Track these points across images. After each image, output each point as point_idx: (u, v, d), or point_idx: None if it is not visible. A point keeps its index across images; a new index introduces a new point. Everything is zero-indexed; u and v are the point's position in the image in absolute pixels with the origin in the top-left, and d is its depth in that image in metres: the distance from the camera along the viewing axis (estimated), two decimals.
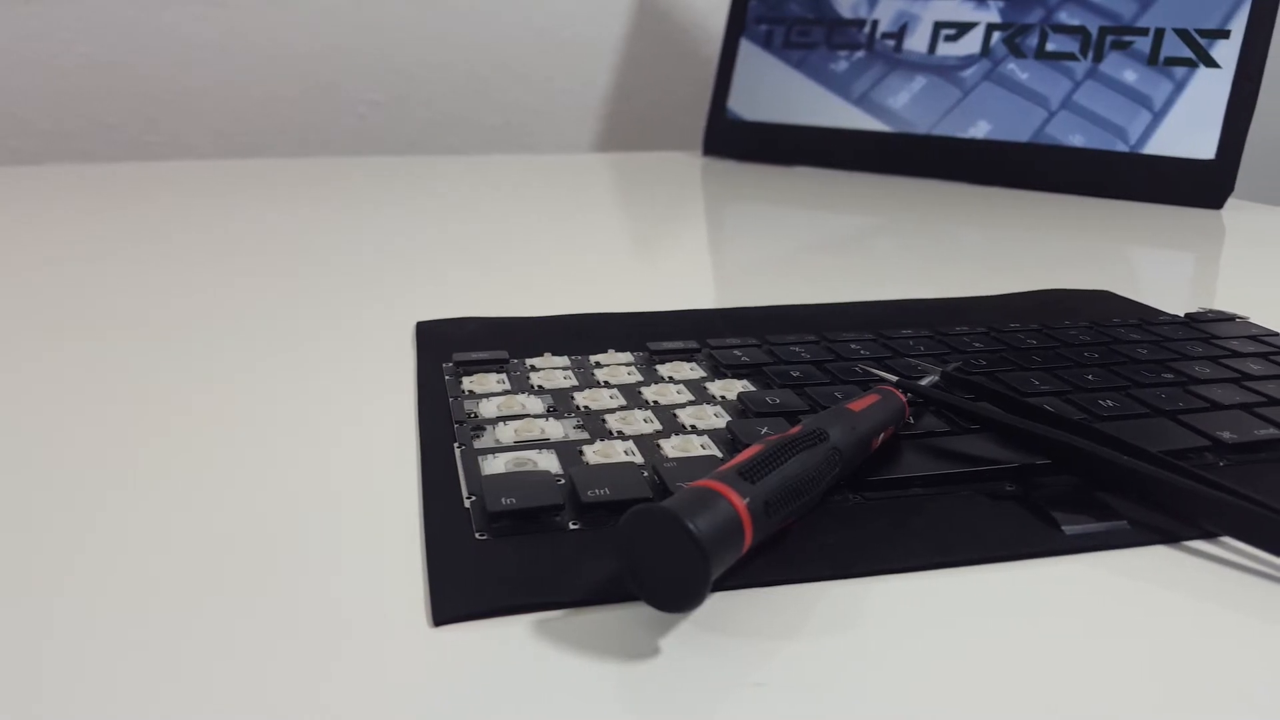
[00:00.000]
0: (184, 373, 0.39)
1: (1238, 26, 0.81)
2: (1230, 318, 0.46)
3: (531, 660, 0.21)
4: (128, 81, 1.08)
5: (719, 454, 0.31)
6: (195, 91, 1.11)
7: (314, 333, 0.44)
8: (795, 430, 0.27)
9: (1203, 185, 0.81)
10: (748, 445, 0.29)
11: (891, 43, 0.98)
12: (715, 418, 0.34)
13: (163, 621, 0.22)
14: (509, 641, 0.22)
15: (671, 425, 0.33)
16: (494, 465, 0.29)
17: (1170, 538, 0.26)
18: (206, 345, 0.42)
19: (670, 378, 0.38)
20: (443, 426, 0.33)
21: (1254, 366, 0.39)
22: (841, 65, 1.00)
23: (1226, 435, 0.31)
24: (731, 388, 0.37)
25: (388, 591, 0.24)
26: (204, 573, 0.24)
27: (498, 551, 0.25)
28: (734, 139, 1.07)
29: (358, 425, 0.34)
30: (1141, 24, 0.85)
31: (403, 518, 0.27)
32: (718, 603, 0.23)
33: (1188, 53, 0.83)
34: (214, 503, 0.28)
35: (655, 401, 0.35)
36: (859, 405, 0.29)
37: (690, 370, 0.39)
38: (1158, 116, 0.83)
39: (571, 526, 0.26)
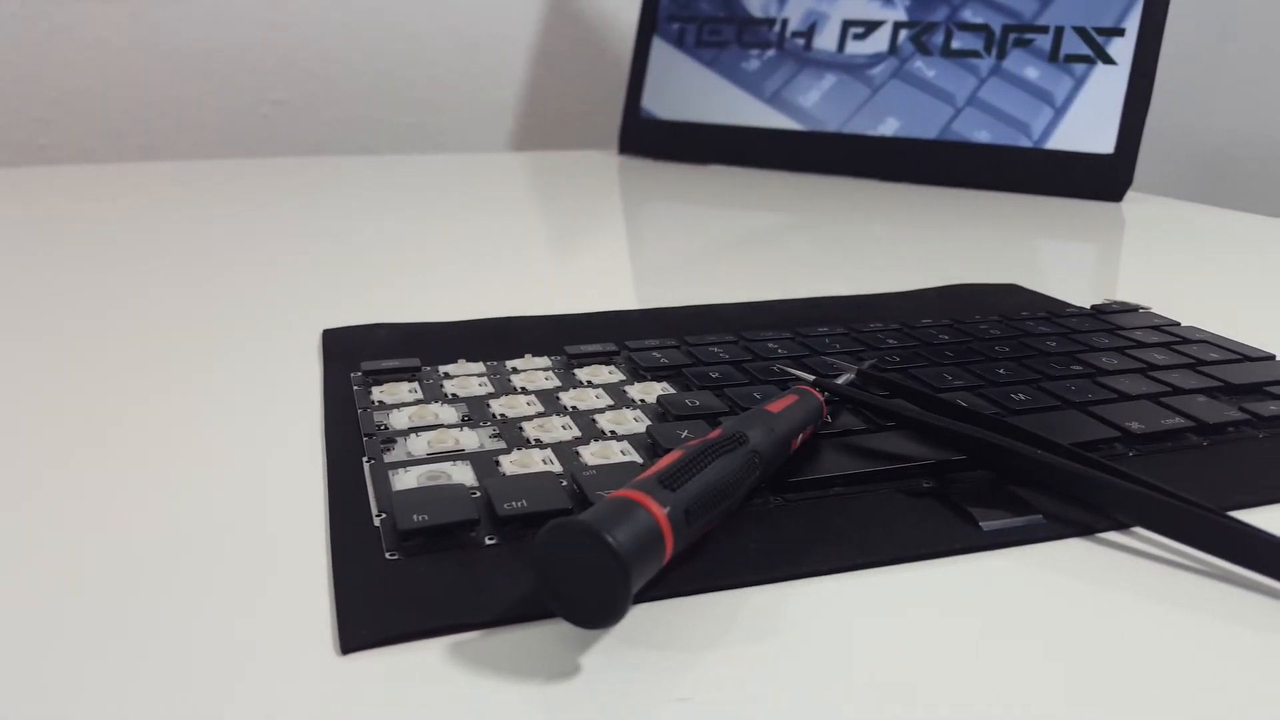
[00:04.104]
0: (73, 384, 0.37)
1: (1132, 25, 0.84)
2: (1134, 308, 0.48)
3: (447, 686, 0.20)
4: (16, 83, 1.03)
5: (639, 459, 0.30)
6: (89, 93, 1.06)
7: (214, 342, 0.43)
8: (715, 434, 0.26)
9: (1103, 179, 0.84)
10: (668, 450, 0.29)
11: (801, 41, 0.99)
12: (635, 422, 0.33)
13: (47, 651, 0.21)
14: (422, 667, 0.21)
15: (591, 431, 0.32)
16: (405, 480, 0.28)
17: (1084, 530, 0.27)
18: (99, 355, 0.40)
19: (589, 382, 0.37)
20: (351, 440, 0.32)
21: (1158, 357, 0.40)
22: (753, 64, 1.01)
23: (1135, 426, 0.32)
24: (651, 390, 0.36)
25: (292, 618, 0.22)
26: (92, 598, 0.23)
27: (410, 572, 0.24)
28: (649, 137, 1.07)
29: (260, 440, 0.32)
30: (1041, 22, 0.87)
31: (308, 539, 0.26)
32: (639, 615, 0.23)
33: (1086, 50, 0.85)
34: (103, 523, 0.26)
35: (574, 407, 0.35)
36: (777, 406, 0.29)
37: (609, 374, 0.38)
38: (1059, 112, 0.85)
39: (488, 542, 0.25)
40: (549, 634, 0.22)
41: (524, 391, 0.36)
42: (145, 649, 0.21)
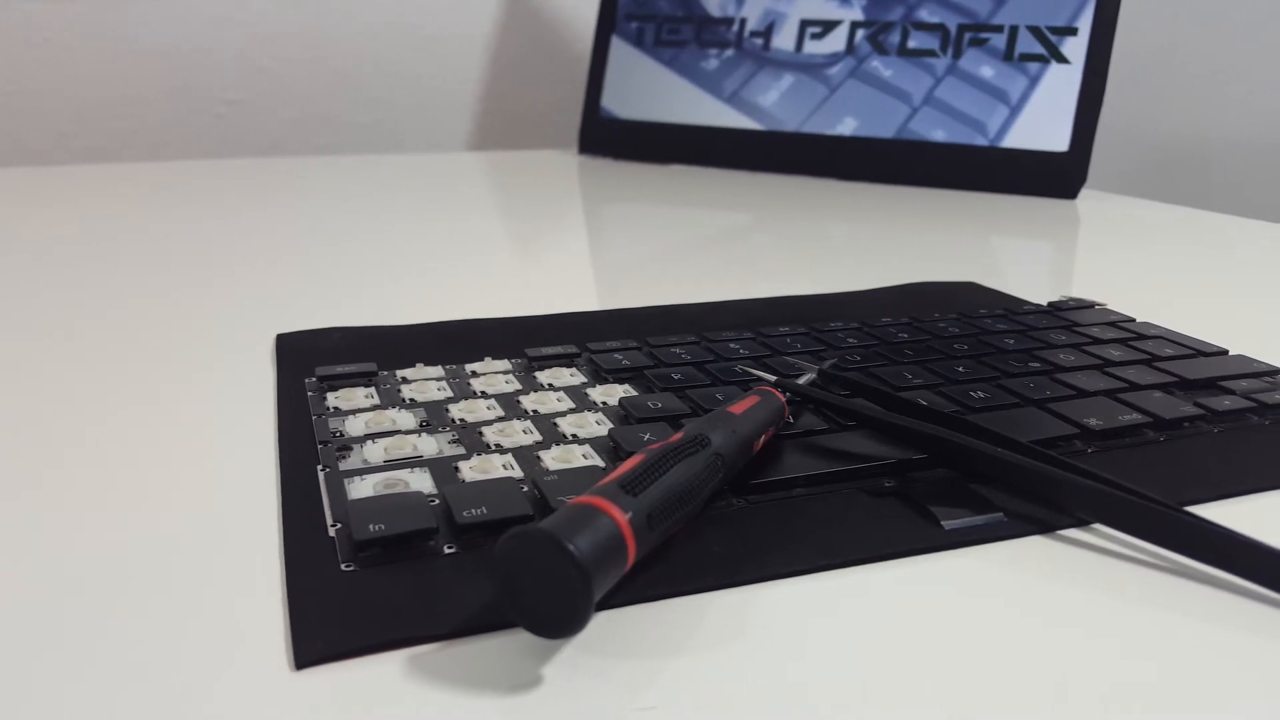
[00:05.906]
0: (15, 391, 0.36)
1: (1084, 24, 0.85)
2: (1089, 305, 0.48)
3: (405, 701, 0.20)
4: None
5: (601, 463, 0.30)
6: (36, 93, 1.04)
7: (164, 348, 0.42)
8: (677, 437, 0.26)
9: (1057, 176, 0.85)
10: (630, 453, 0.29)
11: (760, 41, 0.99)
12: (597, 425, 0.33)
13: None
14: (380, 682, 0.20)
15: (552, 435, 0.32)
16: (361, 488, 0.28)
17: (1045, 527, 0.27)
18: (42, 361, 0.39)
19: (550, 385, 0.37)
20: (305, 447, 0.31)
21: (1114, 353, 0.40)
22: (712, 63, 1.01)
23: (1093, 422, 0.32)
24: (613, 393, 0.36)
25: (244, 632, 0.22)
26: (34, 610, 0.22)
27: (366, 583, 0.23)
28: (609, 137, 1.07)
29: (211, 448, 0.32)
30: (996, 21, 0.88)
31: (261, 550, 0.25)
32: (601, 623, 0.22)
33: (1040, 49, 0.86)
34: (48, 535, 0.25)
35: (535, 411, 0.34)
36: (739, 407, 0.29)
37: (570, 376, 0.38)
38: (1014, 111, 0.86)
39: (447, 550, 0.25)
40: (510, 644, 0.21)
41: (484, 395, 0.36)
42: (90, 663, 0.20)
